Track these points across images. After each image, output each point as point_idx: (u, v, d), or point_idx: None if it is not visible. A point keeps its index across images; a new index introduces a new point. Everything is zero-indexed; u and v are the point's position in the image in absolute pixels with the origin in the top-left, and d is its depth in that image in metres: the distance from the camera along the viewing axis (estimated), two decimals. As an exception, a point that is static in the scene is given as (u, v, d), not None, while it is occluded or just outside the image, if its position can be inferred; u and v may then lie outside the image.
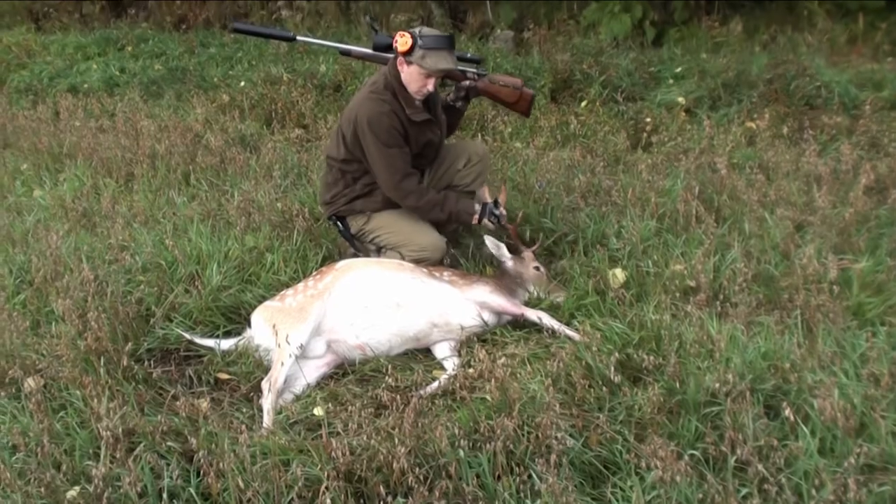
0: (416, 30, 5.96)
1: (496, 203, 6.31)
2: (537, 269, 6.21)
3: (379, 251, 6.72)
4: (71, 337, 5.37)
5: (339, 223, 6.71)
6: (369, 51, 6.61)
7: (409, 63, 5.97)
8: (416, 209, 6.36)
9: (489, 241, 6.33)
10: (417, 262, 6.24)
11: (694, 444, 4.21)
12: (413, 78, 6.04)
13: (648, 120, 9.76)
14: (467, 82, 6.60)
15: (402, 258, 6.37)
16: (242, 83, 12.56)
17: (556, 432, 4.18)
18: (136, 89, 13.20)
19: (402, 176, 6.21)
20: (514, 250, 6.33)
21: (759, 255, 6.09)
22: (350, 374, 5.51)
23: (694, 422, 4.30)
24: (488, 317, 5.79)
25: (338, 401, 5.12)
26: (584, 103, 10.58)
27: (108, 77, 14.17)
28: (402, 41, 5.90)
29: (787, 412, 4.15)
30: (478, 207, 6.34)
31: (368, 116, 6.07)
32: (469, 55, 6.59)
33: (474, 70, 6.62)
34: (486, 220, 6.32)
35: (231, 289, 6.23)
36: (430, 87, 6.08)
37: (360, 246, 6.78)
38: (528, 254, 6.29)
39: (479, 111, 10.35)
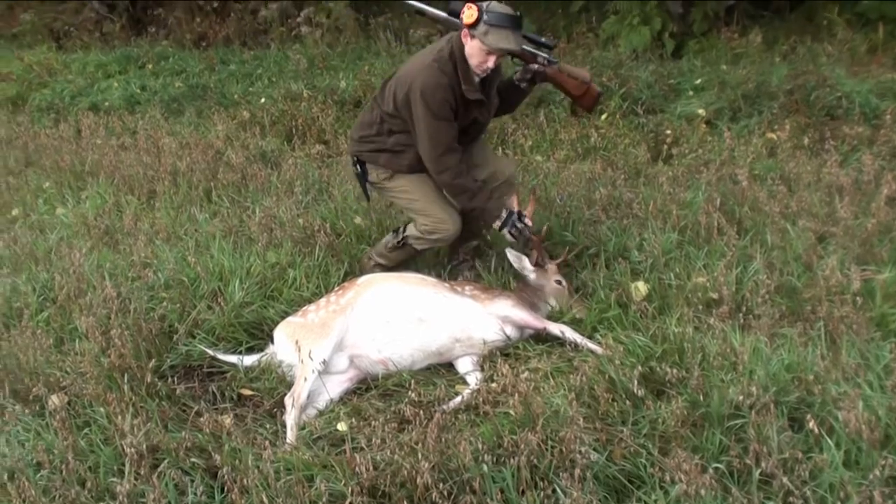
0: (485, 3, 5.82)
1: (521, 216, 6.28)
2: (559, 282, 6.20)
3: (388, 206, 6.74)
4: (94, 354, 5.40)
5: (358, 165, 6.59)
6: (443, 14, 6.45)
7: (473, 37, 5.85)
8: (447, 186, 6.27)
9: (511, 254, 6.32)
10: (430, 233, 6.28)
11: (718, 457, 4.19)
12: (475, 52, 5.91)
13: (669, 132, 9.72)
14: (536, 66, 6.40)
15: (415, 227, 6.38)
16: (263, 100, 12.59)
17: (579, 446, 4.17)
18: (156, 107, 13.23)
19: (445, 150, 6.09)
20: (538, 263, 6.32)
21: (781, 266, 6.07)
22: (373, 388, 5.52)
23: (718, 435, 4.29)
24: (511, 331, 5.77)
25: (361, 416, 5.12)
26: (604, 116, 10.55)
27: (129, 95, 14.20)
28: (469, 13, 5.78)
29: (812, 424, 4.13)
30: (504, 214, 6.28)
31: (423, 86, 5.95)
32: (543, 39, 6.42)
33: (546, 55, 6.43)
34: (506, 231, 6.29)
35: (253, 305, 6.25)
36: (491, 64, 5.94)
37: (370, 193, 6.73)
38: (551, 266, 6.27)
39: (499, 125, 10.34)
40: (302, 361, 5.30)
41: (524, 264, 6.28)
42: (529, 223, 6.31)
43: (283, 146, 10.86)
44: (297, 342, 5.38)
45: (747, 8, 13.04)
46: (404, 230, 6.51)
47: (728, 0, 12.92)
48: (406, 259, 6.66)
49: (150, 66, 15.65)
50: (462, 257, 6.89)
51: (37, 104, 14.71)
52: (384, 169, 6.43)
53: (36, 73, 16.16)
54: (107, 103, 14.01)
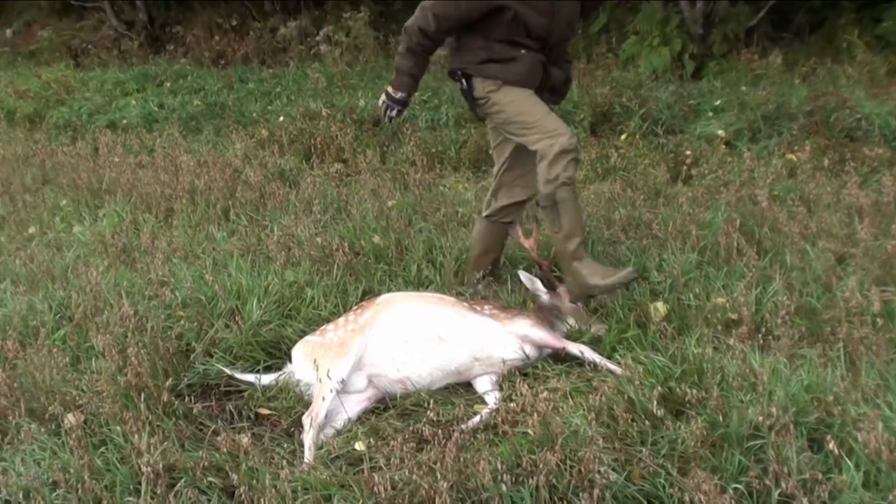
0: None
1: (399, 109, 6.34)
2: (574, 302, 6.18)
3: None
4: (111, 373, 5.38)
5: (463, 80, 6.26)
6: None
7: None
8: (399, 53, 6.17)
9: (523, 276, 6.34)
10: (550, 147, 5.91)
11: (737, 477, 4.17)
12: None
13: (688, 153, 9.70)
14: None
15: (527, 143, 6.11)
16: (281, 118, 12.61)
17: (598, 466, 4.15)
18: (174, 125, 13.24)
19: (426, 21, 5.89)
20: (550, 286, 6.32)
21: (801, 287, 6.04)
22: (391, 408, 5.51)
23: (737, 455, 4.27)
24: (530, 350, 5.75)
25: (379, 435, 5.09)
26: (623, 136, 10.56)
27: (146, 113, 14.24)
28: None
29: (831, 445, 4.12)
30: (397, 96, 6.23)
31: None
32: None
33: None
34: (380, 103, 6.37)
35: (271, 324, 6.24)
36: None
37: (478, 111, 6.40)
38: (563, 289, 6.27)
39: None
40: (320, 380, 5.27)
41: (536, 286, 6.30)
42: (395, 115, 6.37)
43: (302, 165, 10.88)
44: (315, 361, 5.34)
45: (767, 30, 13.04)
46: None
47: (748, 22, 12.91)
48: (576, 210, 6.16)
49: (168, 84, 15.69)
50: (483, 271, 6.81)
51: (54, 122, 14.75)
52: (492, 80, 6.09)
53: (53, 91, 16.21)
54: (124, 121, 14.05)
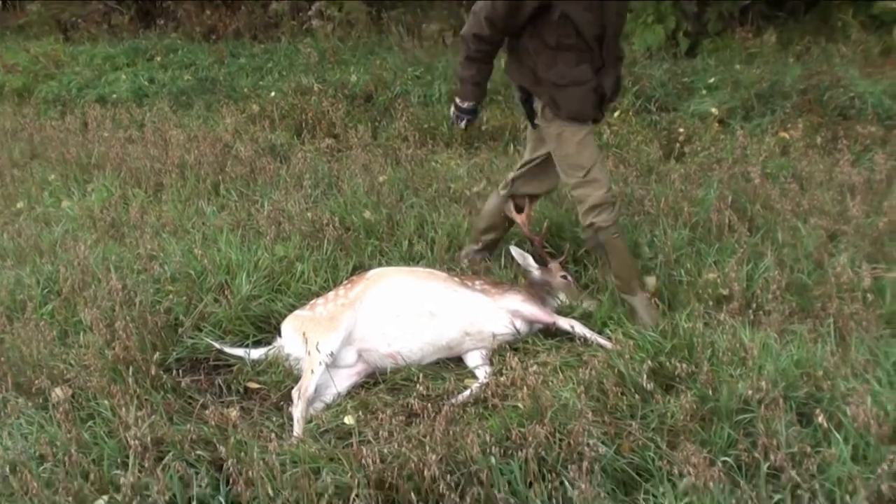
0: None
1: (469, 118, 6.18)
2: (565, 277, 6.21)
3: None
4: (99, 347, 5.38)
5: (521, 93, 6.08)
6: None
7: None
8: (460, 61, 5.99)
9: (514, 251, 6.34)
10: (587, 197, 5.79)
11: (726, 450, 4.19)
12: None
13: (681, 130, 9.68)
14: None
15: (566, 182, 6.02)
16: (273, 93, 12.53)
17: (588, 439, 4.15)
18: (165, 100, 13.15)
19: (479, 26, 5.72)
20: (541, 261, 6.33)
21: (792, 263, 6.06)
22: (381, 383, 5.50)
23: (726, 429, 4.28)
24: (520, 325, 5.75)
25: (368, 409, 5.08)
26: (617, 113, 10.51)
27: (136, 87, 14.14)
28: None
29: (821, 419, 4.14)
30: (465, 106, 6.09)
31: None
32: None
33: None
34: (451, 111, 6.25)
35: (261, 298, 6.24)
36: None
37: (532, 122, 6.13)
38: (554, 264, 6.28)
39: (511, 121, 10.31)
40: (309, 354, 5.27)
41: (528, 262, 6.31)
42: (466, 125, 6.25)
43: (293, 140, 10.81)
44: (304, 335, 5.34)
45: (762, 8, 12.98)
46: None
47: (743, 0, 12.86)
48: (622, 251, 5.98)
49: (158, 59, 15.55)
50: (481, 245, 6.81)
51: (43, 96, 14.62)
52: (549, 108, 5.88)
53: (42, 65, 16.06)
54: (114, 96, 13.93)
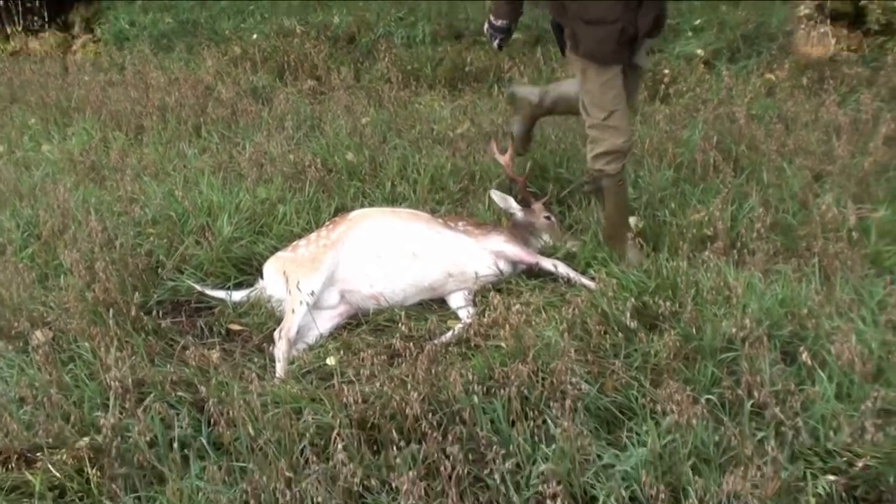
0: None
1: (503, 37, 5.99)
2: (548, 218, 6.17)
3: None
4: (79, 289, 5.35)
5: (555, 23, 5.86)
6: None
7: None
8: None
9: (496, 194, 6.30)
10: (600, 141, 5.59)
11: (710, 389, 4.18)
12: None
13: (667, 72, 9.62)
14: None
15: (585, 119, 5.71)
16: (255, 36, 12.42)
17: (571, 378, 4.14)
18: (145, 43, 13.03)
19: None
20: (524, 202, 6.28)
21: (777, 203, 6.04)
22: (364, 324, 5.49)
23: (710, 367, 4.27)
24: (504, 266, 5.74)
25: (351, 350, 5.06)
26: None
27: (117, 31, 14.02)
28: None
29: (805, 357, 4.13)
30: (498, 24, 5.90)
31: None
32: None
33: None
34: (485, 28, 6.05)
35: (242, 240, 6.20)
36: None
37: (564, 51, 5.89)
38: (537, 205, 6.24)
39: (495, 63, 10.27)
40: (290, 293, 5.26)
41: (510, 203, 6.26)
42: (500, 43, 6.05)
43: (275, 82, 10.73)
44: (284, 273, 5.35)
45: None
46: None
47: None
48: (619, 199, 5.85)
49: (139, 2, 15.42)
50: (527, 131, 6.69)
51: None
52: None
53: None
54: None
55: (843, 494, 3.56)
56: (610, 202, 5.79)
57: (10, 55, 13.84)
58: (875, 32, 9.68)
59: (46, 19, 14.66)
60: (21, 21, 14.60)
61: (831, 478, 3.52)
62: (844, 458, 3.67)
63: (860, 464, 3.60)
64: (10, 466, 3.77)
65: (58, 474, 3.72)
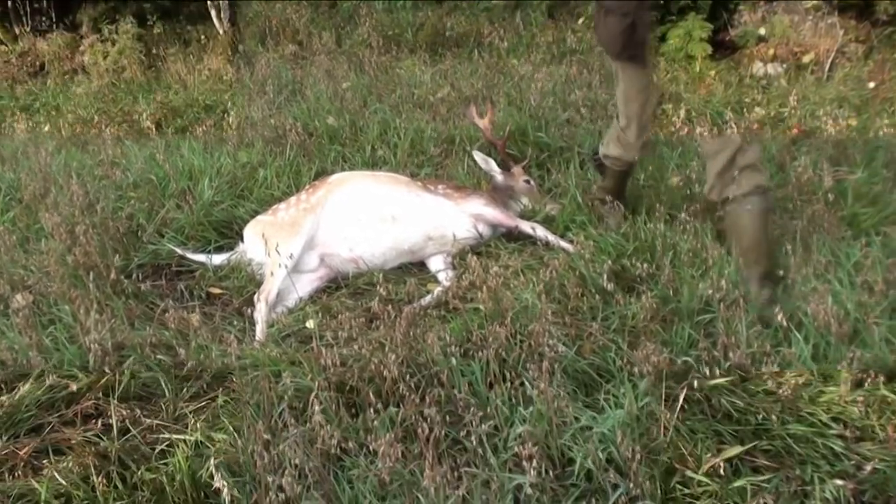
0: None
1: None
2: (528, 182, 6.19)
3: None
4: (60, 252, 5.34)
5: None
6: None
7: None
8: None
9: (477, 155, 6.32)
10: (625, 131, 5.59)
11: (687, 350, 4.19)
12: None
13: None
14: None
15: (619, 108, 5.68)
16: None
17: (548, 340, 4.14)
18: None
19: None
20: (504, 166, 6.29)
21: (755, 166, 6.05)
22: (343, 287, 5.51)
23: (687, 329, 4.29)
24: (483, 229, 5.77)
25: (330, 314, 5.07)
26: (581, 20, 10.48)
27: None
28: None
29: (780, 318, 4.16)
30: None
31: None
32: None
33: None
34: None
35: (223, 204, 6.22)
36: None
37: None
38: (517, 169, 6.25)
39: (475, 28, 10.28)
40: (269, 255, 5.26)
41: (491, 166, 6.27)
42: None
43: (256, 47, 10.73)
44: (263, 236, 5.37)
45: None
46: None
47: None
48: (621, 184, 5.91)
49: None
50: None
51: None
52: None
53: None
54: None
55: (851, 499, 3.50)
56: (610, 178, 5.85)
57: (18, 56, 13.73)
58: (883, 23, 9.65)
59: (54, 19, 14.51)
60: (29, 21, 14.46)
61: (839, 482, 3.46)
62: (853, 462, 3.61)
63: (868, 467, 3.54)
64: (16, 474, 3.76)
65: (64, 482, 3.71)
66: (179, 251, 5.78)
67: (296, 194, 5.91)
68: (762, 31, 9.90)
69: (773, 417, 3.70)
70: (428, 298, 5.16)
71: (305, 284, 5.48)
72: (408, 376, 3.98)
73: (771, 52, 9.53)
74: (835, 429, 3.71)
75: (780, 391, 3.82)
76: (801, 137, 6.60)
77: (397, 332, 4.33)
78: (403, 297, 5.12)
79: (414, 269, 5.73)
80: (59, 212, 5.85)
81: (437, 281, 5.54)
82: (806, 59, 9.29)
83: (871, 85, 8.18)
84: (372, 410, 3.80)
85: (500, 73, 9.03)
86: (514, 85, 8.33)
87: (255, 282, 5.43)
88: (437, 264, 5.69)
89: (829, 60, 9.23)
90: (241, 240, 5.75)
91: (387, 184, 5.83)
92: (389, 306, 4.68)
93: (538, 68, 9.10)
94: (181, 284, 5.50)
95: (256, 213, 6.05)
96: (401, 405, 3.86)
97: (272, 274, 5.23)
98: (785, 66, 9.31)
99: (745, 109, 7.80)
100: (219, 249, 5.90)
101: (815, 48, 9.56)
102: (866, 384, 3.85)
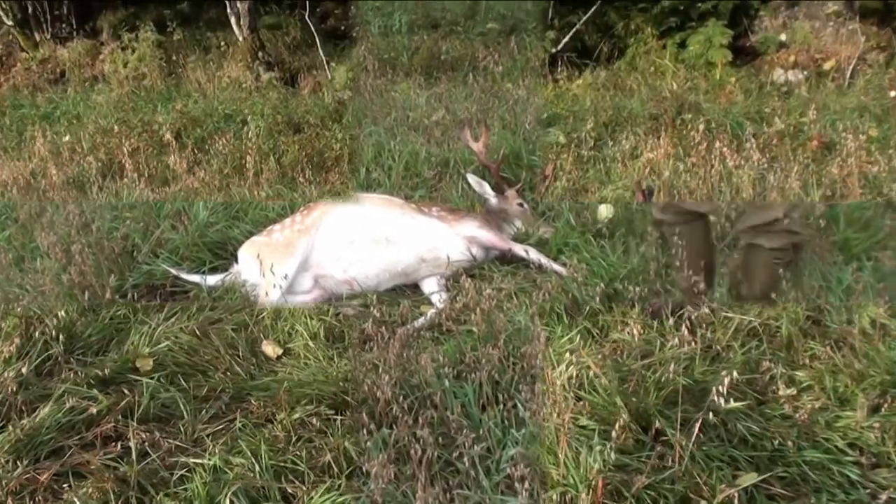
0: None
1: None
2: (521, 205, 6.22)
3: None
4: (55, 271, 5.36)
5: None
6: None
7: None
8: None
9: (471, 178, 6.35)
10: None
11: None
12: None
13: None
14: None
15: None
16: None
17: (541, 362, 4.15)
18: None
19: None
20: (498, 189, 6.32)
21: (747, 193, 6.08)
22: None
23: (680, 351, 4.29)
24: (477, 251, 5.78)
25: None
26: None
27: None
28: None
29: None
30: None
31: None
32: None
33: None
34: None
35: (218, 225, 6.23)
36: None
37: None
38: (511, 192, 6.28)
39: (470, 52, 10.32)
40: (263, 276, 5.28)
41: (485, 189, 6.30)
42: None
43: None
44: (258, 256, 5.37)
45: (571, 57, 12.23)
46: None
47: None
48: None
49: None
50: None
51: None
52: None
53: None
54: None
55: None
56: None
57: (39, 63, 13.75)
58: (904, 29, 9.71)
59: (74, 26, 14.52)
60: (49, 28, 14.48)
61: (854, 510, 3.46)
62: (868, 490, 3.53)
63: (884, 497, 3.41)
64: (37, 499, 3.76)
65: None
66: (174, 272, 5.79)
67: (290, 216, 5.92)
68: (783, 37, 9.96)
69: (790, 443, 3.66)
70: (421, 320, 5.16)
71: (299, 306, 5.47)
72: (401, 398, 3.99)
73: (792, 58, 9.57)
74: (851, 455, 3.66)
75: (797, 415, 3.81)
76: (821, 149, 6.63)
77: (391, 353, 4.33)
78: (397, 319, 5.12)
79: (408, 290, 5.75)
80: (54, 231, 5.86)
81: (430, 303, 5.54)
82: (827, 65, 9.35)
83: (893, 94, 8.21)
84: (366, 431, 3.81)
85: (494, 96, 9.06)
86: (509, 109, 8.35)
87: (250, 303, 5.42)
88: (430, 286, 5.69)
89: (851, 67, 9.26)
90: (236, 261, 5.75)
91: (381, 206, 5.87)
92: (383, 328, 4.69)
93: (532, 92, 9.13)
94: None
95: (251, 234, 6.06)
96: (394, 426, 3.87)
97: (266, 294, 5.24)
98: (806, 72, 9.35)
99: (764, 122, 7.78)
100: (213, 270, 5.91)
101: (836, 55, 9.61)
102: (883, 409, 3.85)
